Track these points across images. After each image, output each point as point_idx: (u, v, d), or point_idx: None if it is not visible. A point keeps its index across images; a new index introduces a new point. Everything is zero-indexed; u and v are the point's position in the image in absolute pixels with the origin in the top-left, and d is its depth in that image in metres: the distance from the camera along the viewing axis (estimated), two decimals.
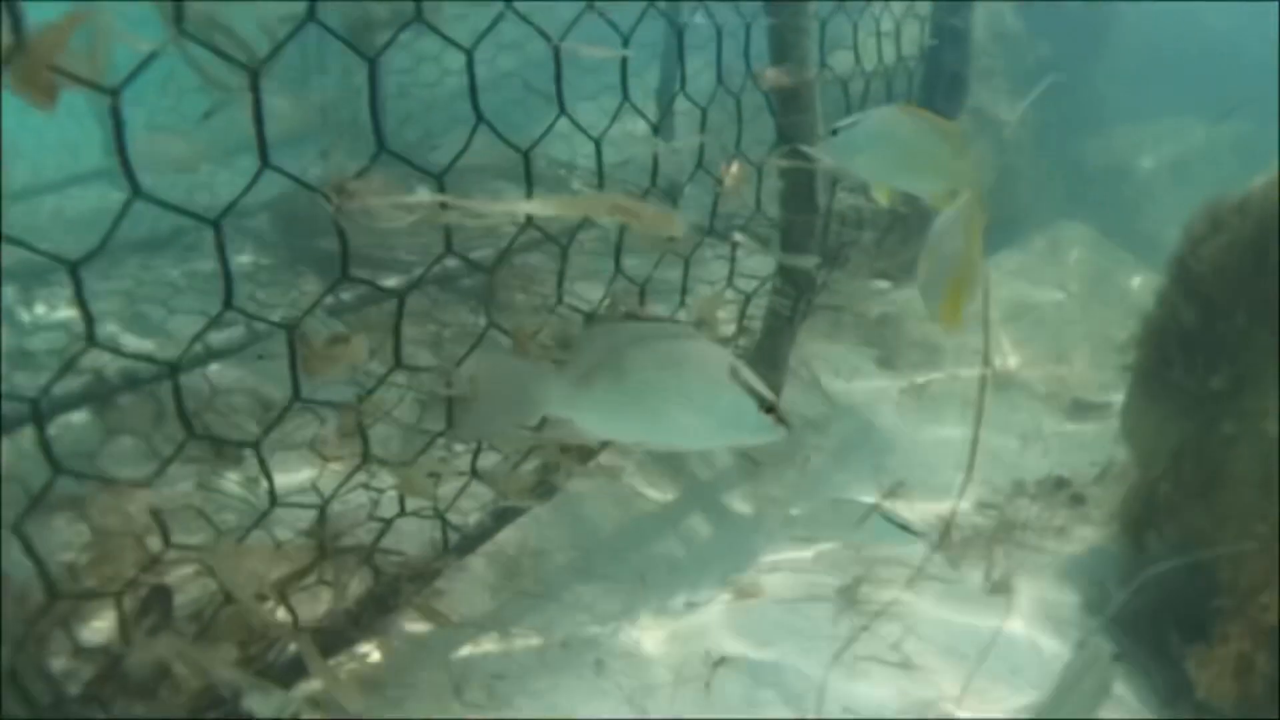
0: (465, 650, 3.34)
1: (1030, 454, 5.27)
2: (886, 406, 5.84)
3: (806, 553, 4.07)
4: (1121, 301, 6.94)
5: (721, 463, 4.71)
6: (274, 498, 2.44)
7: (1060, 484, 4.71)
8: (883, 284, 5.23)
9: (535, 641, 3.45)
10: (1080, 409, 6.01)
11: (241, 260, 6.09)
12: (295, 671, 2.77)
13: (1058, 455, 5.26)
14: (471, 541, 3.30)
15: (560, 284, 2.86)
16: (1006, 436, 5.43)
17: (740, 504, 4.49)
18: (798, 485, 4.65)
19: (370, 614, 2.99)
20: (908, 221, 5.27)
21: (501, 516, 3.32)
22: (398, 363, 2.44)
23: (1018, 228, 7.66)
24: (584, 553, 3.97)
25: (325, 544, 2.63)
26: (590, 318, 3.08)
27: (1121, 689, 3.40)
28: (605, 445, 3.61)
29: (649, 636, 3.53)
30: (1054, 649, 3.63)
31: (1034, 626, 3.74)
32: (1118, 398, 5.47)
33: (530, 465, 3.32)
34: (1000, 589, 3.90)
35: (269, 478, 2.39)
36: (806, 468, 4.76)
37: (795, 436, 5.02)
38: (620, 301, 3.31)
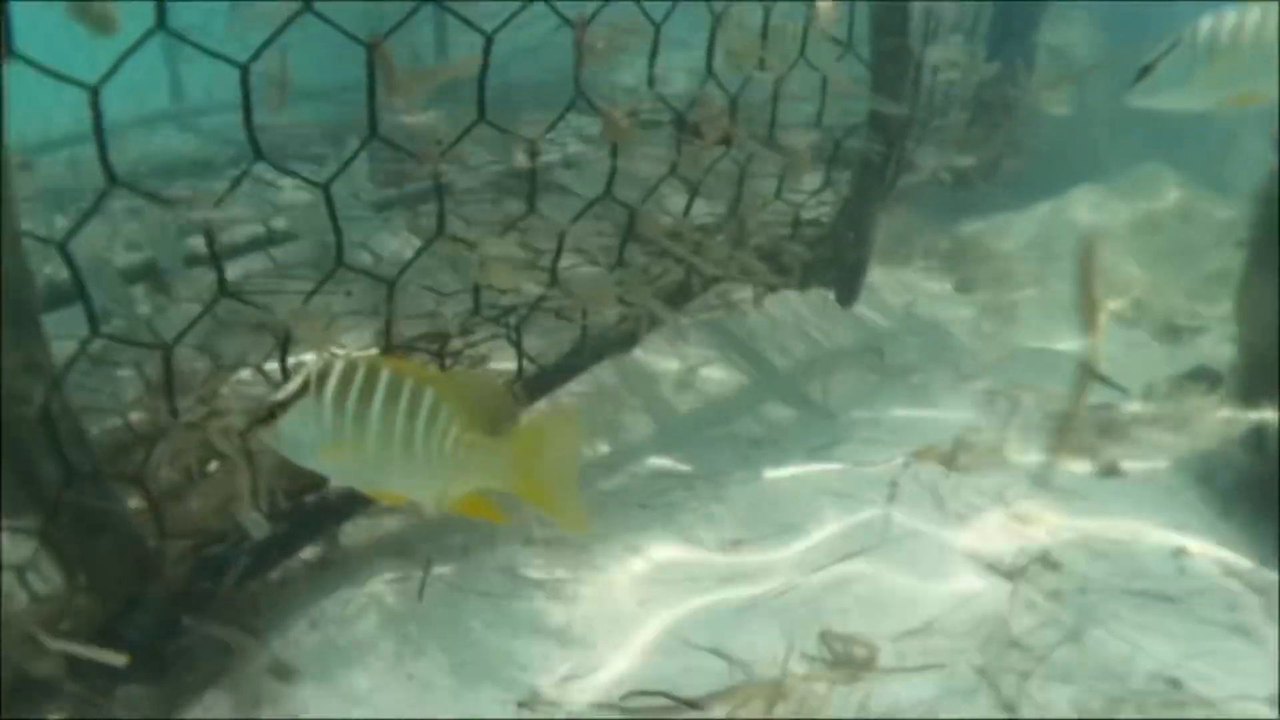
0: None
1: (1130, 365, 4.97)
2: (965, 322, 5.59)
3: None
4: (1208, 233, 6.63)
5: (798, 353, 4.49)
6: (340, 257, 2.26)
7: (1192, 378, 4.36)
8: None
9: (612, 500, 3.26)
10: (1172, 332, 5.72)
11: None
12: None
13: (1155, 369, 4.96)
14: (549, 379, 3.10)
15: None
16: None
17: (817, 393, 4.25)
18: (875, 385, 4.40)
19: None
20: (991, 110, 5.05)
21: (580, 355, 3.11)
22: None
23: (1098, 167, 7.39)
24: (660, 427, 3.76)
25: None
26: None
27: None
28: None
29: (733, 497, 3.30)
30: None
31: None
32: (1210, 321, 5.31)
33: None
34: (1110, 471, 3.60)
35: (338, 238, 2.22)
36: (882, 368, 4.50)
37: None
38: None
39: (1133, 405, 3.98)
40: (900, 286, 6.05)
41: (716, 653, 2.55)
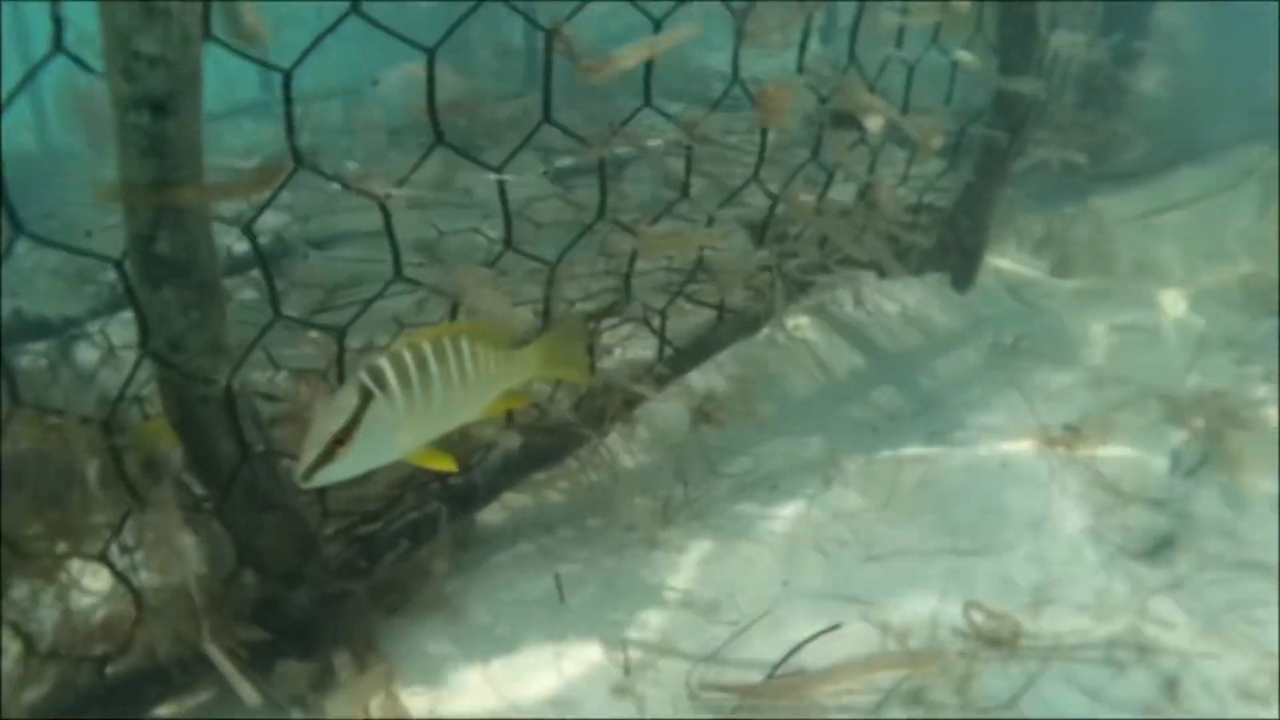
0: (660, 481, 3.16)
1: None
2: (1065, 306, 5.50)
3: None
4: None
5: (908, 340, 4.44)
6: (509, 238, 2.26)
7: None
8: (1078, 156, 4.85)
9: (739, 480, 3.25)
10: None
11: None
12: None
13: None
14: (684, 360, 3.09)
15: None
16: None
17: (926, 379, 4.20)
18: (978, 368, 4.34)
19: (588, 418, 2.82)
20: (1106, 96, 4.95)
21: (714, 338, 3.10)
22: None
23: (1196, 147, 7.23)
24: (778, 411, 3.74)
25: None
26: None
27: None
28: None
29: (858, 479, 3.28)
30: None
31: None
32: None
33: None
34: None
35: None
36: (990, 352, 4.44)
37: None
38: None
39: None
40: (998, 271, 5.96)
41: (866, 619, 2.54)
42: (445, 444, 1.84)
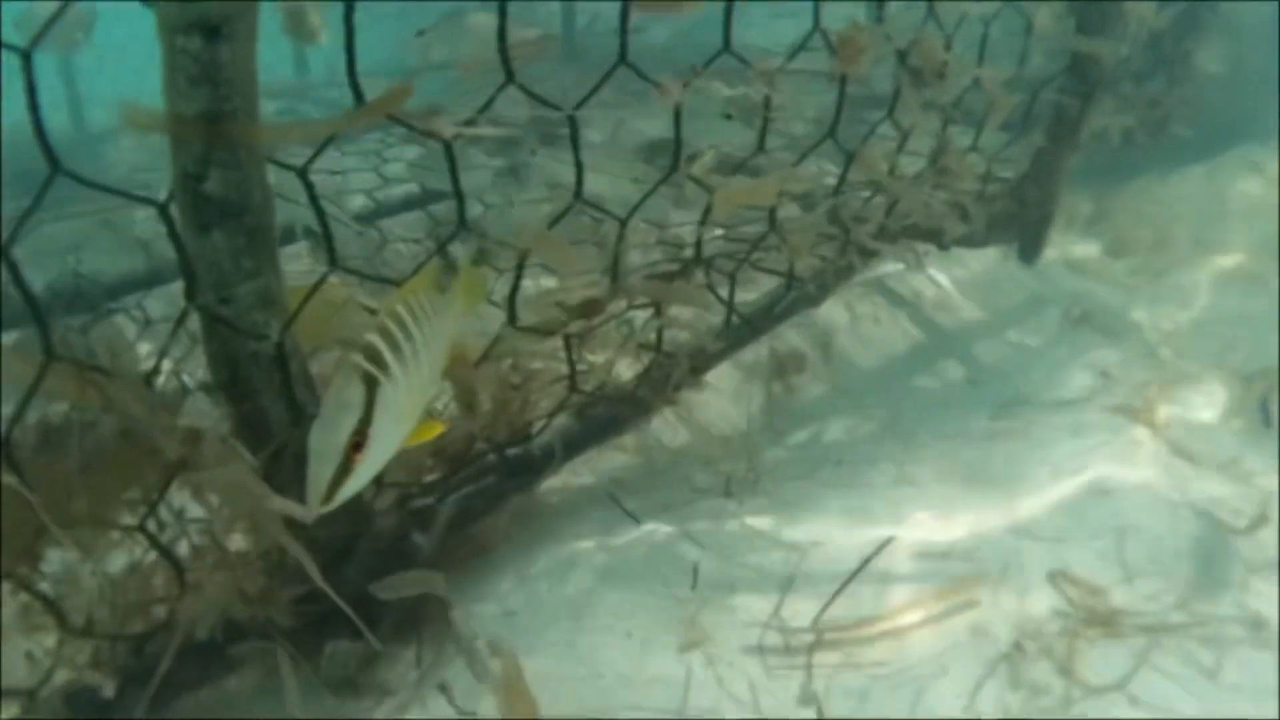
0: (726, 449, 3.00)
1: None
2: (1118, 286, 5.32)
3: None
4: None
5: (969, 314, 4.26)
6: (579, 191, 2.10)
7: None
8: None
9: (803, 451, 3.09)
10: None
11: None
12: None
13: None
14: (750, 329, 2.93)
15: None
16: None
17: (990, 353, 4.03)
18: (1042, 342, 4.17)
19: (650, 387, 2.66)
20: (1173, 67, 4.75)
21: (779, 306, 2.94)
22: None
23: (1256, 126, 6.99)
24: (840, 384, 3.58)
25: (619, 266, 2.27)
26: None
27: None
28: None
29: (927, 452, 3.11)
30: None
31: None
32: None
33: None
34: None
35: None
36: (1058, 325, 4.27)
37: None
38: None
39: None
40: (1049, 248, 5.78)
41: None
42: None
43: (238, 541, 2.22)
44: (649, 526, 2.67)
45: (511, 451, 2.53)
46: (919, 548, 2.62)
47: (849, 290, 3.76)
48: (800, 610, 2.38)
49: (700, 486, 2.88)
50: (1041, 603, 2.41)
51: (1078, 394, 3.58)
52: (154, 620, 2.08)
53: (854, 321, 3.94)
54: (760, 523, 2.71)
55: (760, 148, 2.38)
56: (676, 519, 2.72)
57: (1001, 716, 2.10)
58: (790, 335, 3.52)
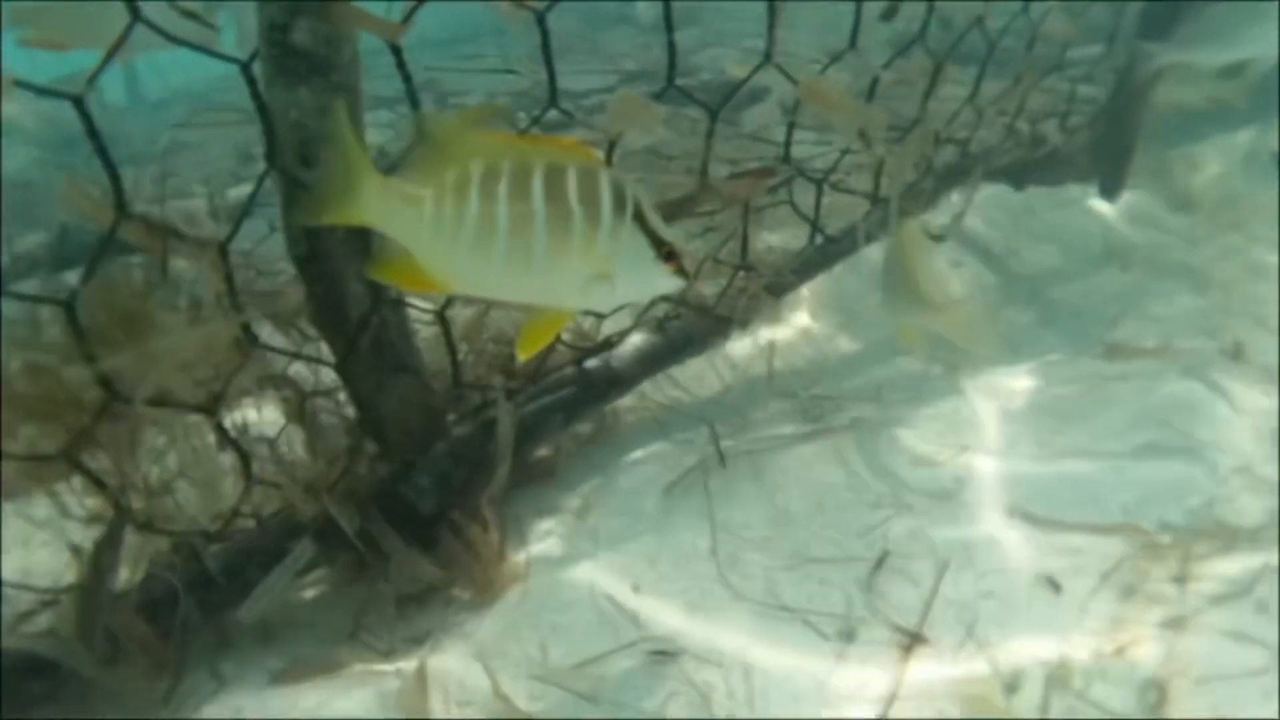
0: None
1: None
2: (1186, 239, 5.15)
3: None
4: None
5: (1044, 260, 4.12)
6: (673, 71, 1.98)
7: None
8: None
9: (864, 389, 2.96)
10: None
11: None
12: None
13: None
14: (831, 252, 2.80)
15: None
16: None
17: (1063, 296, 3.88)
18: (1117, 288, 4.02)
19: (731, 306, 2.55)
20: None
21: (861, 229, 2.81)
22: None
23: None
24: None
25: None
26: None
27: None
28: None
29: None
30: None
31: None
32: None
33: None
34: None
35: None
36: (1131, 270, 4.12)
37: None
38: None
39: None
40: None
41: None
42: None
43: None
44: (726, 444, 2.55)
45: (590, 364, 2.42)
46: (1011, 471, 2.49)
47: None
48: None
49: (773, 416, 2.75)
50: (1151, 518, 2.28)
51: (1159, 335, 3.43)
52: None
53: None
54: (825, 460, 2.59)
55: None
56: (748, 433, 2.60)
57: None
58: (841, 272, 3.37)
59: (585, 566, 2.17)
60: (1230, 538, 2.19)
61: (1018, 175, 3.82)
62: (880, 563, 2.16)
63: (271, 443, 2.09)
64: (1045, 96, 3.23)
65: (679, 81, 1.95)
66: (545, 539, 2.29)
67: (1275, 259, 4.73)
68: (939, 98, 2.76)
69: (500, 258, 1.29)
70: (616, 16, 8.25)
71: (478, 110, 1.89)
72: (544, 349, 2.28)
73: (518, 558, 2.22)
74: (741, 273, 2.52)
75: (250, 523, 2.00)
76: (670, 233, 1.36)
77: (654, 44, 6.60)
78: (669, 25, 1.92)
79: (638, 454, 2.54)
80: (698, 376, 2.88)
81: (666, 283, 1.40)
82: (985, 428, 2.71)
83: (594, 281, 1.34)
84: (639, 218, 1.33)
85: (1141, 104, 3.44)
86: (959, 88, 2.89)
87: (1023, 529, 2.27)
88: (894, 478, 2.47)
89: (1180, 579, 2.07)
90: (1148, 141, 6.51)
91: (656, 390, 2.74)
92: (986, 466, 2.50)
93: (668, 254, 1.36)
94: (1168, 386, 2.86)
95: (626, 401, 2.65)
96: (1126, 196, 5.75)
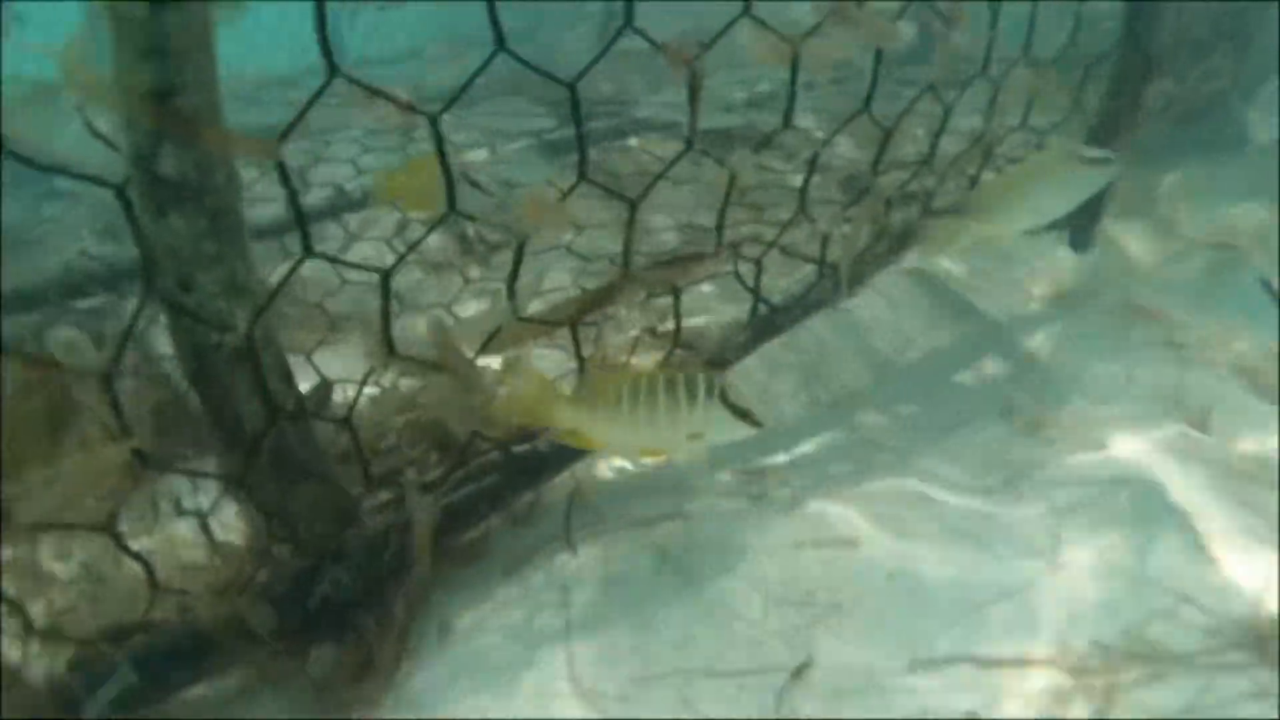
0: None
1: None
2: (1179, 272, 5.04)
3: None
4: None
5: (1011, 304, 4.03)
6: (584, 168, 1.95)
7: None
8: None
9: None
10: None
11: None
12: None
13: None
14: (778, 321, 2.75)
15: None
16: None
17: (1037, 344, 3.80)
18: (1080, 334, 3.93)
19: None
20: (1233, 39, 4.47)
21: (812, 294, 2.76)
22: None
23: None
24: (869, 376, 3.39)
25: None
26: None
27: None
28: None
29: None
30: None
31: None
32: None
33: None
34: None
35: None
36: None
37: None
38: None
39: None
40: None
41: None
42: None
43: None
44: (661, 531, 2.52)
45: (518, 449, 2.39)
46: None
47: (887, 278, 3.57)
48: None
49: (721, 488, 2.72)
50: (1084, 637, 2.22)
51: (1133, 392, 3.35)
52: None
53: (895, 313, 3.74)
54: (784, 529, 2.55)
55: (786, 123, 2.20)
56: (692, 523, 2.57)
57: None
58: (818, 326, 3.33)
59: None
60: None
61: None
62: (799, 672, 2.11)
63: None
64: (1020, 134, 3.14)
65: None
66: (464, 634, 2.26)
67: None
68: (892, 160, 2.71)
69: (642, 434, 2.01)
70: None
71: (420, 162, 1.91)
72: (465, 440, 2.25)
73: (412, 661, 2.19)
74: (679, 350, 2.48)
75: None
76: (745, 399, 2.02)
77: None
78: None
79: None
80: None
81: (743, 431, 2.03)
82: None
83: (694, 439, 2.02)
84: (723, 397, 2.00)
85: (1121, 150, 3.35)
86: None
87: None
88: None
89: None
90: (1144, 157, 6.37)
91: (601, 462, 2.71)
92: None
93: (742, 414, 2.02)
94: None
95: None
96: (1105, 219, 5.65)
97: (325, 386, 2.45)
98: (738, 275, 2.57)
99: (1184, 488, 2.67)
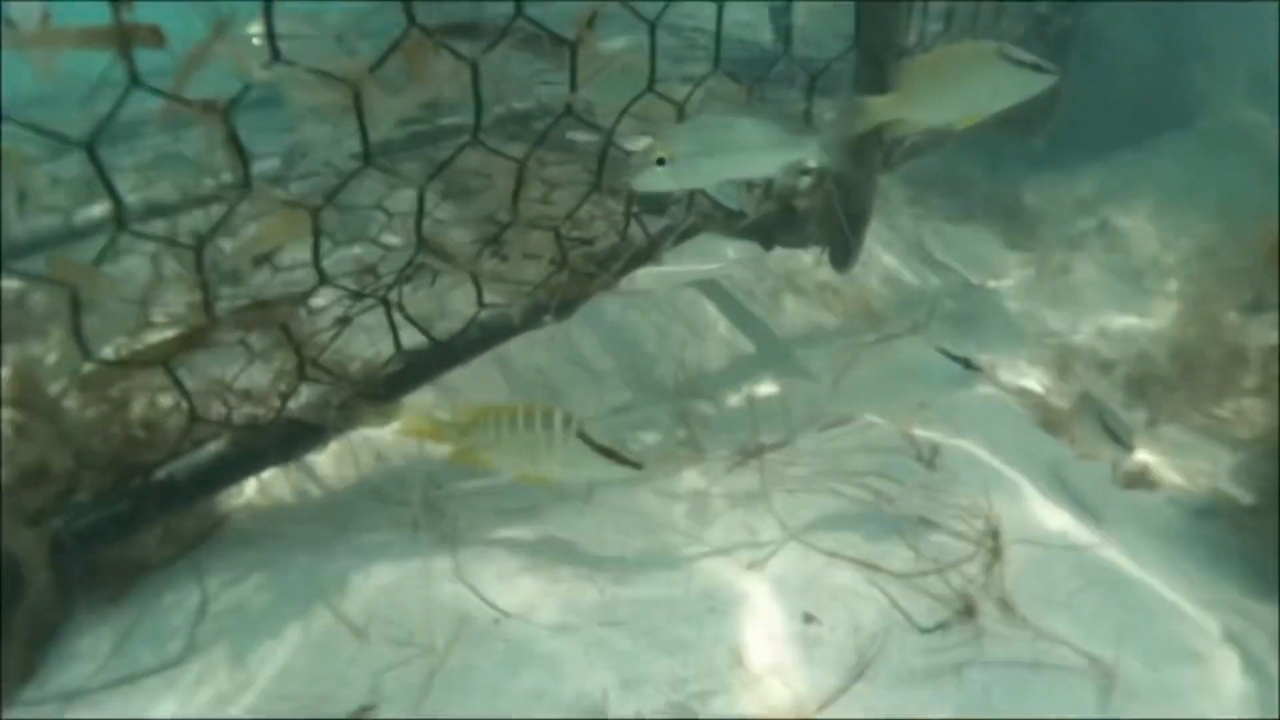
0: None
1: None
2: (1019, 284, 5.10)
3: None
4: None
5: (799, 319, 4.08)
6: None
7: None
8: None
9: None
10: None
11: None
12: None
13: None
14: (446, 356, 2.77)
15: None
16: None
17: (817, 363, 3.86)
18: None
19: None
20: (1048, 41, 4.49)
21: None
22: None
23: (1188, 114, 6.66)
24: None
25: None
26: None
27: None
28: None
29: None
30: None
31: None
32: None
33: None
34: None
35: None
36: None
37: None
38: None
39: None
40: (949, 243, 5.56)
41: None
42: None
43: None
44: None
45: (158, 475, 2.40)
46: None
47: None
48: None
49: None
50: None
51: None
52: None
53: (662, 335, 3.78)
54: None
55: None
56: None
57: None
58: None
59: None
60: None
61: (765, 235, 3.79)
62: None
63: None
64: None
65: None
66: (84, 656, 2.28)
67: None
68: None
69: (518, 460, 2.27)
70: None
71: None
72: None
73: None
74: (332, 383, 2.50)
75: None
76: (603, 442, 2.24)
77: None
78: None
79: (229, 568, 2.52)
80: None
81: (606, 471, 2.24)
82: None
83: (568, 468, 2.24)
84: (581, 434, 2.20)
85: (869, 165, 3.38)
86: None
87: None
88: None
89: None
90: (1006, 169, 6.40)
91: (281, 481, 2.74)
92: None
93: (608, 452, 2.24)
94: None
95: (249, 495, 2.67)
96: (962, 231, 5.72)
97: None
98: (401, 308, 2.59)
99: None
